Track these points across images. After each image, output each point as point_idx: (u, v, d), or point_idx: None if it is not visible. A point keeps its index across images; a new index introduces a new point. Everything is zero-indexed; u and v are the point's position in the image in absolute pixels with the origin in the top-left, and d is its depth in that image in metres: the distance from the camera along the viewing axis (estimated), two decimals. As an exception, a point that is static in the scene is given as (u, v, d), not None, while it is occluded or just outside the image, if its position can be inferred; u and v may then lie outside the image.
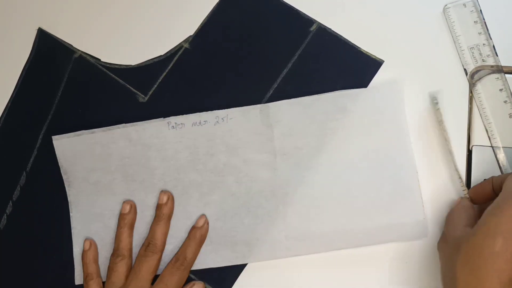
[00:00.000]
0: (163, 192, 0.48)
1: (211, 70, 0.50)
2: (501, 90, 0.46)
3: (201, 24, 0.51)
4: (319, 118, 0.47)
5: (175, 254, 0.47)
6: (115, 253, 0.47)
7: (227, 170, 0.48)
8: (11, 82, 0.53)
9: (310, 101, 0.48)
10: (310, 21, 0.50)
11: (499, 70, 0.46)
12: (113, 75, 0.52)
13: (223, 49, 0.51)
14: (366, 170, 0.46)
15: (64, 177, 0.50)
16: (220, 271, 0.47)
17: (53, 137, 0.50)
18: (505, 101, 0.46)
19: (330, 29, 0.49)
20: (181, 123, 0.48)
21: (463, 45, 0.47)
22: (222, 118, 0.48)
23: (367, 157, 0.47)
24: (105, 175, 0.49)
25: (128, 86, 0.51)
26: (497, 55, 0.46)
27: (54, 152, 0.50)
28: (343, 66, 0.49)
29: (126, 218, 0.48)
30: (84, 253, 0.48)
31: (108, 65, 0.52)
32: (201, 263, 0.47)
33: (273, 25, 0.50)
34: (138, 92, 0.51)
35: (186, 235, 0.48)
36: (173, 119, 0.49)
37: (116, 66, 0.52)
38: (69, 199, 0.50)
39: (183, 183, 0.48)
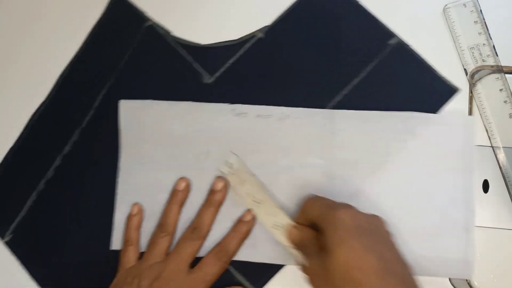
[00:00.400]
0: (220, 178, 0.48)
1: (281, 65, 0.50)
2: (501, 90, 0.46)
3: (279, 16, 0.51)
4: (384, 135, 0.47)
5: (218, 244, 0.47)
6: (161, 228, 0.47)
7: (281, 169, 0.48)
8: (79, 38, 0.53)
9: (379, 117, 0.47)
10: (390, 33, 0.49)
11: (499, 70, 0.46)
12: (182, 50, 0.51)
13: (297, 46, 0.50)
14: (422, 197, 0.46)
15: (120, 141, 0.50)
16: (257, 266, 0.47)
17: (121, 101, 0.50)
18: (505, 101, 0.46)
19: (410, 45, 0.48)
20: (245, 112, 0.48)
21: (463, 45, 0.47)
22: (287, 115, 0.48)
23: (425, 184, 0.46)
24: (161, 148, 0.49)
25: (195, 64, 0.51)
26: (497, 55, 0.46)
27: (111, 114, 0.51)
28: (416, 86, 0.48)
29: (179, 195, 0.48)
30: (130, 217, 0.48)
31: (177, 39, 0.52)
32: (241, 255, 0.47)
33: (352, 31, 0.50)
34: (204, 73, 0.50)
35: (232, 225, 0.47)
36: (238, 107, 0.48)
37: (186, 42, 0.52)
38: (119, 164, 0.50)
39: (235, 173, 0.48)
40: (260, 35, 0.51)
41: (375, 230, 0.38)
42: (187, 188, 0.48)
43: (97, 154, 0.51)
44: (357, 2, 0.50)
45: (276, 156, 0.48)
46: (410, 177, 0.46)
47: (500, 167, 0.46)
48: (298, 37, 0.50)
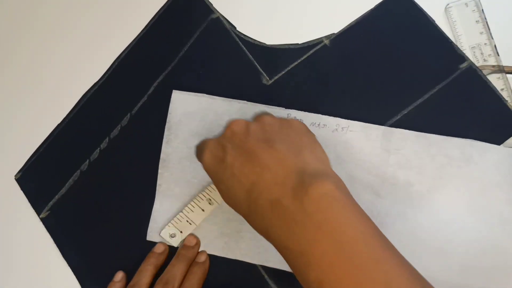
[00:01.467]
0: (192, 236, 0.47)
1: (343, 75, 0.48)
2: (502, 90, 0.45)
3: (348, 25, 0.49)
4: (441, 160, 0.45)
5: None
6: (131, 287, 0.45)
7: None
8: (142, 22, 0.52)
9: (437, 140, 0.45)
10: (462, 57, 0.47)
11: (501, 70, 0.45)
12: (244, 48, 0.50)
13: (362, 57, 0.48)
14: (472, 227, 0.44)
15: (166, 132, 0.49)
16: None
17: (174, 91, 0.49)
18: (506, 101, 0.45)
19: (481, 71, 0.46)
20: (300, 119, 0.47)
21: (465, 44, 0.47)
22: (342, 128, 0.47)
23: (477, 215, 0.44)
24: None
25: (256, 63, 0.50)
26: (498, 55, 0.46)
27: (163, 102, 0.50)
28: (482, 114, 0.46)
29: (156, 257, 0.47)
30: (112, 284, 0.47)
31: (242, 36, 0.51)
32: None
33: (423, 49, 0.48)
34: (264, 73, 0.49)
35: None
36: (293, 112, 0.47)
37: (250, 40, 0.50)
38: (161, 155, 0.49)
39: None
40: (326, 42, 0.49)
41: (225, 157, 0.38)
42: (165, 252, 0.47)
43: (143, 142, 0.50)
44: (432, 22, 0.48)
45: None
46: (460, 205, 0.45)
47: None
48: (364, 48, 0.49)
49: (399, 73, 0.48)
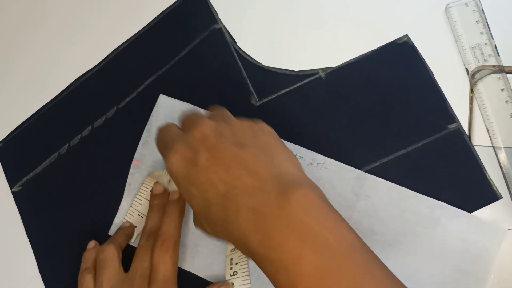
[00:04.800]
0: (157, 183, 0.47)
1: (331, 110, 0.48)
2: (502, 90, 0.45)
3: (346, 62, 0.49)
4: (408, 216, 0.45)
5: (159, 236, 0.44)
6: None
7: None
8: (143, 20, 0.53)
9: (408, 195, 0.45)
10: (452, 118, 0.46)
11: (501, 70, 0.45)
12: (240, 63, 0.50)
13: (354, 97, 0.48)
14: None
15: (144, 134, 0.49)
16: None
17: (161, 95, 0.49)
18: (506, 101, 0.45)
19: (468, 136, 0.46)
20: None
21: (465, 44, 0.47)
22: (318, 163, 0.46)
23: (437, 277, 0.44)
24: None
25: (248, 81, 0.49)
26: (498, 55, 0.46)
27: (151, 102, 0.50)
28: (460, 179, 0.45)
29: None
30: (88, 251, 0.47)
31: (240, 51, 0.50)
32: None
33: (416, 101, 0.47)
34: (254, 93, 0.49)
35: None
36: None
37: (247, 57, 0.50)
38: (136, 155, 0.49)
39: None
40: (321, 74, 0.49)
41: (197, 162, 0.35)
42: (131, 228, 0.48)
43: (125, 137, 0.50)
44: (431, 76, 0.47)
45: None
46: (418, 265, 0.44)
47: (500, 167, 0.45)
48: (358, 88, 0.48)
49: (387, 120, 0.47)
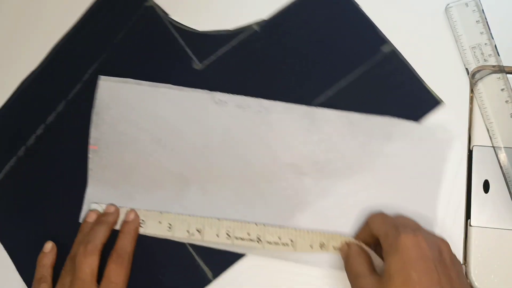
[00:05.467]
0: (110, 205, 0.48)
1: (271, 59, 0.50)
2: (502, 90, 0.45)
3: (277, 11, 0.50)
4: (361, 138, 0.46)
5: (113, 251, 0.45)
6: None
7: (254, 161, 0.47)
8: (77, 11, 0.54)
9: (358, 119, 0.46)
10: (383, 40, 0.48)
11: (501, 70, 0.45)
12: (176, 34, 0.51)
13: (289, 42, 0.50)
14: (389, 202, 0.45)
15: (94, 117, 0.50)
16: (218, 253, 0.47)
17: (100, 77, 0.50)
18: (506, 101, 0.45)
19: (401, 54, 0.47)
20: (225, 101, 0.48)
21: (465, 44, 0.47)
22: (265, 108, 0.47)
23: (394, 189, 0.45)
24: (135, 129, 0.49)
25: (187, 48, 0.51)
26: (498, 55, 0.46)
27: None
28: (402, 94, 0.47)
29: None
30: (43, 255, 0.47)
31: (174, 23, 0.52)
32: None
33: (346, 32, 0.49)
34: (194, 58, 0.50)
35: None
36: (218, 95, 0.48)
37: (182, 26, 0.52)
38: (90, 140, 0.50)
39: (207, 162, 0.48)
40: (256, 28, 0.50)
41: (438, 258, 0.37)
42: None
43: (80, 128, 0.51)
44: (355, 4, 0.49)
45: (250, 149, 0.47)
46: (379, 182, 0.46)
47: (501, 167, 0.45)
48: (292, 33, 0.50)
49: (325, 56, 0.49)
